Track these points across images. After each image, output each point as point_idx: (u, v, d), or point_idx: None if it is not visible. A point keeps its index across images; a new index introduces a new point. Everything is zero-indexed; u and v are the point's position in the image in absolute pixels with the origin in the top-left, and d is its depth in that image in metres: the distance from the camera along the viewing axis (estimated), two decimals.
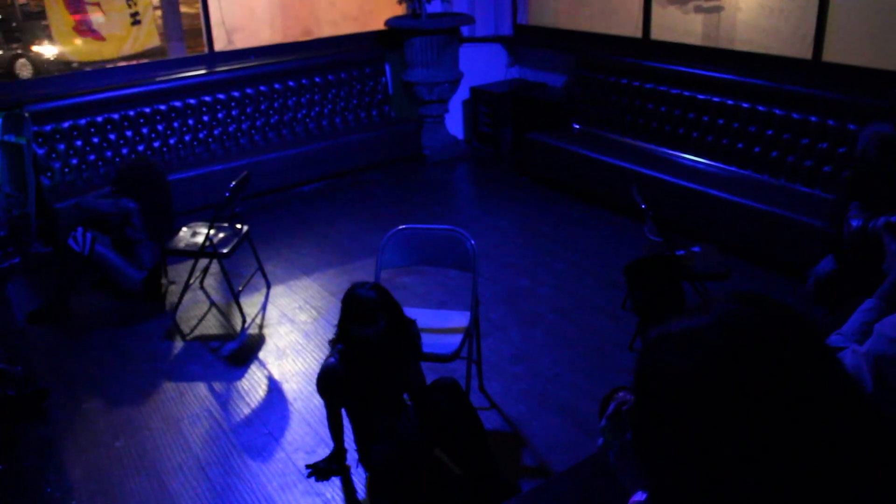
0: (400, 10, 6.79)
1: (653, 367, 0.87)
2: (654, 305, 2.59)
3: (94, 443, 3.31)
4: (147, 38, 6.35)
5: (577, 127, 6.24)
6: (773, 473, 0.78)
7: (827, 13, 4.74)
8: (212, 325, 4.32)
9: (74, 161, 5.48)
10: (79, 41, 6.09)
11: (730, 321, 0.84)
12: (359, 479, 3.01)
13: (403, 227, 3.38)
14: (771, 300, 0.87)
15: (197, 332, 4.23)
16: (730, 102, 5.11)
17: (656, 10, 5.85)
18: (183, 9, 8.11)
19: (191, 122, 5.96)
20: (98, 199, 4.43)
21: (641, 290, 2.63)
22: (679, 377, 0.83)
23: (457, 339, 3.13)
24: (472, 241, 3.27)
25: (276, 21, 7.66)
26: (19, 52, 11.37)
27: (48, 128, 5.36)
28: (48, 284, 4.62)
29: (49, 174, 5.36)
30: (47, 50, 9.01)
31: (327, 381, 2.79)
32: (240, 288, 4.48)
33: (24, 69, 11.19)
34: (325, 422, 2.96)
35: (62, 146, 5.43)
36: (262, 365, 3.87)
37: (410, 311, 3.43)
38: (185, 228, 4.58)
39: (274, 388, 3.68)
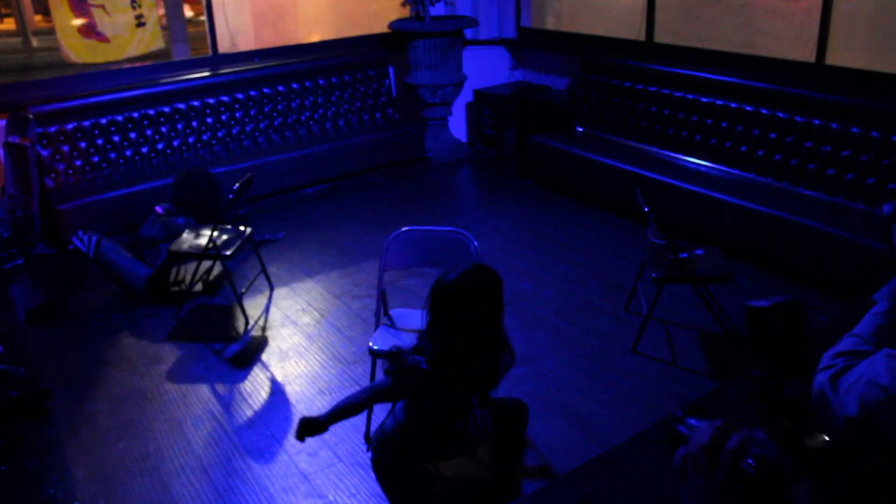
0: (404, 13, 6.80)
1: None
2: (777, 358, 2.15)
3: (97, 444, 3.31)
4: (151, 40, 6.37)
5: (581, 130, 6.24)
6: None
7: (830, 16, 4.74)
8: (215, 327, 4.32)
9: (78, 163, 5.49)
10: (83, 43, 6.11)
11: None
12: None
13: (406, 228, 3.37)
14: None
15: (200, 334, 4.24)
16: (733, 105, 5.11)
17: (660, 12, 5.86)
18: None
19: (194, 124, 5.97)
20: (151, 228, 4.71)
21: (767, 339, 2.16)
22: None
23: None
24: (476, 244, 3.27)
25: (279, 24, 7.67)
26: None
27: (52, 129, 5.37)
28: (51, 285, 4.62)
29: (53, 175, 5.37)
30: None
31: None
32: (243, 290, 4.48)
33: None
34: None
35: (66, 147, 5.44)
36: (265, 367, 3.88)
37: (413, 313, 3.44)
38: (188, 230, 4.59)
39: (276, 390, 3.68)
